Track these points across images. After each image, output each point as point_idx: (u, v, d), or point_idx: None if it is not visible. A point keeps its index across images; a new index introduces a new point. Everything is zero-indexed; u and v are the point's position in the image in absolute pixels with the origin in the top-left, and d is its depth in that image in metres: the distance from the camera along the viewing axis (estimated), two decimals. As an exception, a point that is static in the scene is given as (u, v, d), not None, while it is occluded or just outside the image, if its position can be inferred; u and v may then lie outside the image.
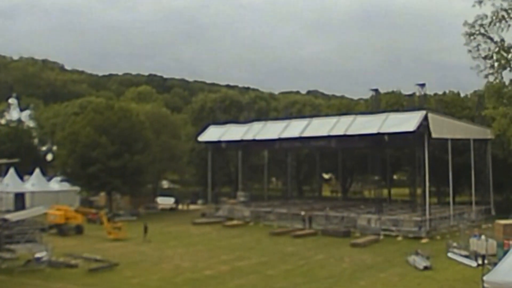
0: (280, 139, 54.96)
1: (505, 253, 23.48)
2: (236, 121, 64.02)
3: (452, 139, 49.29)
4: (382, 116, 47.62)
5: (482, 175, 53.57)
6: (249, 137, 56.66)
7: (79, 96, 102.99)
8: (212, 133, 61.31)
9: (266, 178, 74.50)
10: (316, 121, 53.33)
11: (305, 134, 51.99)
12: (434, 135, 44.88)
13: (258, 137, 55.94)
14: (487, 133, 53.27)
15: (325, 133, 50.20)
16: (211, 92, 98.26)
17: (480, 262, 30.64)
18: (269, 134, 55.47)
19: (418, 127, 43.79)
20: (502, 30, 29.17)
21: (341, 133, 48.63)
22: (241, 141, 57.65)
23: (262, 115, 73.43)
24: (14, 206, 56.48)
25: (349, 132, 47.99)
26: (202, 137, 62.55)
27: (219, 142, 59.72)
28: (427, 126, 44.35)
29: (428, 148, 45.11)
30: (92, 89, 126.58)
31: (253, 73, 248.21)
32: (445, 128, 47.81)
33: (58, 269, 31.50)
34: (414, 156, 47.01)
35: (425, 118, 44.34)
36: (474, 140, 53.57)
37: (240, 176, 65.66)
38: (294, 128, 53.48)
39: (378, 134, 45.87)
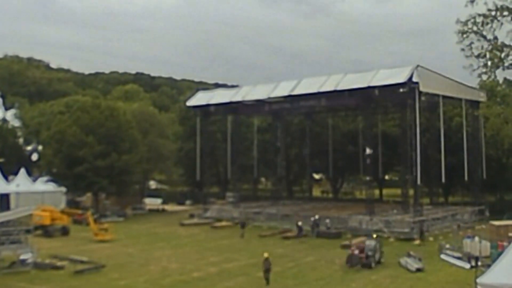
0: (269, 100, 54.60)
1: (499, 254, 23.22)
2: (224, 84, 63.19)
3: (443, 96, 48.64)
4: (372, 72, 47.38)
5: (476, 175, 53.13)
6: (238, 98, 56.05)
7: (65, 94, 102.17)
8: (201, 98, 60.84)
9: (256, 178, 73.99)
10: (305, 81, 52.65)
11: (295, 93, 51.44)
12: (424, 89, 44.44)
13: (247, 98, 55.39)
14: (479, 95, 52.19)
15: (314, 91, 49.73)
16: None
17: (473, 264, 30.31)
18: (258, 95, 55.04)
19: (409, 79, 43.38)
20: (495, 30, 28.93)
21: (331, 89, 48.17)
22: (230, 103, 56.87)
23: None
24: (-1, 207, 55.59)
25: (339, 88, 47.56)
26: (190, 102, 62.04)
27: (207, 105, 58.95)
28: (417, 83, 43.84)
29: (419, 106, 44.46)
30: (78, 88, 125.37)
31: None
32: (436, 83, 47.05)
33: (44, 271, 31.20)
34: (407, 155, 46.57)
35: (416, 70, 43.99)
36: (466, 100, 52.27)
37: (230, 171, 64.79)
38: (284, 88, 52.92)
39: (369, 87, 45.56)
